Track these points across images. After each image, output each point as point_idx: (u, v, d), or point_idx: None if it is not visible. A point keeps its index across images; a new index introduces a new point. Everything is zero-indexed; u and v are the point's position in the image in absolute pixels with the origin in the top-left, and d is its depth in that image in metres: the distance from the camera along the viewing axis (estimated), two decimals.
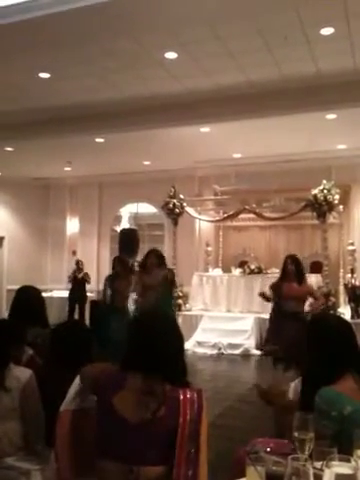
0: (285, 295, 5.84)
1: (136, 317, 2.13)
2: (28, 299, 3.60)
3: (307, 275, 9.88)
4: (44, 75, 7.47)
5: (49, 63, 7.08)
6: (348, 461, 1.39)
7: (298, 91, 7.69)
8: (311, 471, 1.29)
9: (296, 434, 1.66)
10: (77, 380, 1.97)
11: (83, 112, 8.78)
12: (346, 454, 1.45)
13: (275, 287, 6.04)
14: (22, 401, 2.46)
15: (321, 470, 1.40)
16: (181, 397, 1.79)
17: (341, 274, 10.60)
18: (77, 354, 2.42)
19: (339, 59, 6.90)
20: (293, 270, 5.90)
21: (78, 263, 11.97)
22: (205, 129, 9.01)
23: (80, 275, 11.77)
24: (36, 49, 6.45)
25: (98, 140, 9.75)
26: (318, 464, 1.48)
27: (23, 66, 7.14)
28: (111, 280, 7.00)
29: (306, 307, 6.06)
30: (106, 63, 7.02)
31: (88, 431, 1.87)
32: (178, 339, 1.99)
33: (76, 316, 11.38)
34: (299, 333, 5.25)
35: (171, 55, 6.75)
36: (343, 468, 1.35)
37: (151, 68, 7.16)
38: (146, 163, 11.61)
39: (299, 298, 5.84)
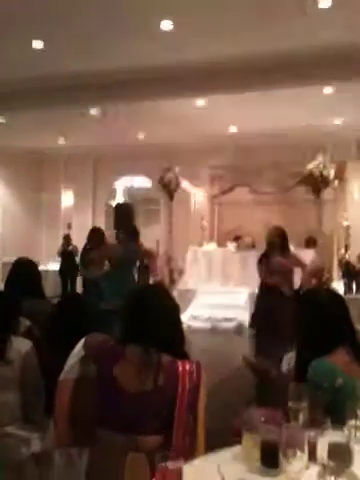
0: (269, 269, 5.59)
1: (132, 290, 2.15)
2: (24, 271, 3.61)
3: (302, 250, 10.06)
4: (37, 44, 7.33)
5: (42, 32, 6.95)
6: (341, 430, 1.43)
7: (295, 64, 7.61)
8: (306, 439, 1.33)
9: (290, 404, 1.71)
10: (76, 350, 2.00)
11: (77, 83, 8.64)
12: (337, 424, 1.49)
13: (259, 262, 5.73)
14: (22, 372, 2.49)
15: (315, 439, 1.44)
16: (180, 368, 1.83)
17: (335, 250, 10.67)
18: (79, 328, 2.44)
19: (337, 32, 6.81)
20: (278, 243, 5.61)
21: (66, 237, 12.08)
22: (201, 102, 8.93)
23: (69, 248, 11.86)
24: (29, 17, 6.33)
25: (92, 112, 9.64)
26: (312, 433, 1.52)
27: (15, 35, 7.01)
28: (83, 253, 6.97)
29: (297, 281, 5.79)
30: (101, 33, 6.89)
31: (87, 400, 1.90)
32: (173, 310, 2.02)
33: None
34: (284, 312, 5.17)
35: (166, 26, 6.64)
36: (336, 437, 1.39)
37: (146, 39, 7.04)
38: (141, 136, 11.51)
39: (284, 272, 5.52)
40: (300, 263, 5.82)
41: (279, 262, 5.56)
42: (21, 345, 2.53)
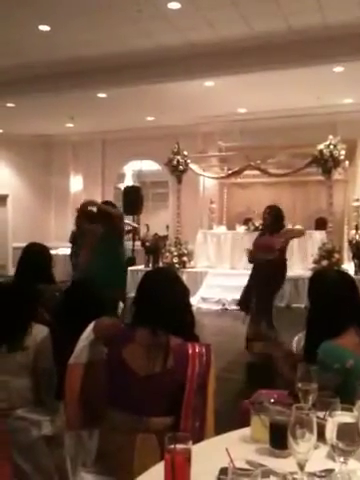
0: (254, 247, 5.67)
1: (145, 274, 2.15)
2: (35, 256, 3.62)
3: (311, 231, 10.02)
4: (44, 28, 7.28)
5: (49, 15, 6.89)
6: (350, 411, 1.43)
7: (305, 43, 7.50)
8: (314, 420, 1.33)
9: (300, 385, 1.70)
10: (86, 333, 2.02)
11: (85, 66, 8.60)
12: (346, 404, 1.48)
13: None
14: (36, 358, 2.52)
15: (324, 419, 1.43)
16: (190, 351, 1.83)
17: (346, 231, 10.59)
18: (89, 312, 2.45)
19: (348, 10, 6.67)
20: (269, 221, 5.61)
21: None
22: (209, 83, 8.83)
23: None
24: (35, 1, 6.27)
25: (100, 95, 9.59)
26: (321, 414, 1.52)
27: (22, 19, 6.96)
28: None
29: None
30: (108, 15, 6.81)
31: (97, 383, 1.92)
32: (183, 293, 2.03)
33: None
34: (262, 273, 5.24)
35: (174, 5, 6.55)
36: (345, 417, 1.38)
37: (154, 20, 6.95)
38: (149, 119, 11.44)
39: (267, 248, 5.48)
40: (269, 245, 5.59)
41: (256, 241, 5.67)
42: (38, 332, 2.56)
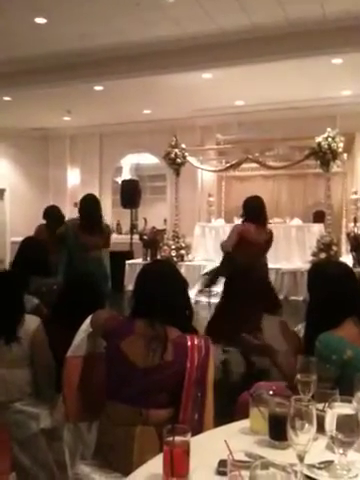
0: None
1: (143, 267, 2.15)
2: (31, 250, 3.63)
3: (310, 224, 10.04)
4: (40, 20, 7.22)
5: (45, 7, 6.83)
6: (349, 402, 1.42)
7: (303, 34, 7.44)
8: (314, 412, 1.32)
9: (299, 376, 1.70)
10: (84, 326, 2.01)
11: (81, 59, 8.55)
12: (346, 396, 1.48)
13: None
14: (32, 349, 2.51)
15: (323, 411, 1.43)
16: (189, 343, 1.83)
17: (344, 223, 10.59)
18: (87, 305, 2.44)
19: (347, 1, 6.63)
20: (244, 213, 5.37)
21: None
22: (207, 75, 8.78)
23: None
24: None
25: (97, 88, 9.54)
26: (320, 405, 1.52)
27: (18, 11, 6.90)
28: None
29: None
30: (105, 7, 6.76)
31: (95, 375, 1.92)
32: (181, 285, 2.02)
33: None
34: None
35: None
36: (345, 409, 1.38)
37: (151, 11, 6.90)
38: (147, 112, 11.39)
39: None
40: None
41: None
42: (29, 322, 2.55)
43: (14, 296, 2.61)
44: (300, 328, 2.41)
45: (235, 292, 4.99)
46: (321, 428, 1.36)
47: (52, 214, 6.19)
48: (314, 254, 9.11)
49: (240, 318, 4.59)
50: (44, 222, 6.22)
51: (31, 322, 2.56)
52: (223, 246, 5.15)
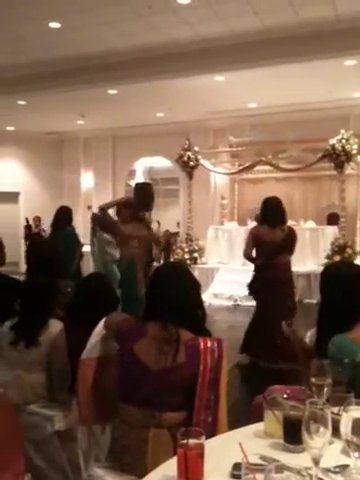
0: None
1: (156, 269, 2.15)
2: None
3: (324, 227, 9.97)
4: (54, 25, 7.28)
5: (59, 12, 6.88)
6: None
7: (316, 36, 7.41)
8: (329, 415, 1.31)
9: (313, 380, 1.69)
10: (98, 329, 2.01)
11: (95, 63, 8.60)
12: None
13: None
14: (50, 353, 2.53)
15: (338, 415, 1.42)
16: (201, 346, 1.82)
17: (358, 225, 10.52)
18: (101, 307, 2.45)
19: (359, 2, 6.58)
20: (260, 215, 5.59)
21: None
22: (220, 78, 8.78)
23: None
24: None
25: (111, 92, 9.59)
26: (335, 409, 1.50)
27: (33, 16, 6.96)
28: None
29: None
30: (117, 11, 6.80)
31: (108, 378, 1.92)
32: (194, 287, 2.02)
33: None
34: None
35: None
36: None
37: (164, 14, 6.92)
38: (160, 115, 11.42)
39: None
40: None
41: None
42: (52, 326, 2.56)
43: (43, 304, 2.63)
44: (313, 331, 2.39)
45: (257, 293, 5.42)
46: (336, 432, 1.35)
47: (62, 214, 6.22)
48: (328, 256, 9.06)
49: (264, 318, 4.80)
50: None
51: (53, 326, 2.57)
52: (244, 254, 5.53)
